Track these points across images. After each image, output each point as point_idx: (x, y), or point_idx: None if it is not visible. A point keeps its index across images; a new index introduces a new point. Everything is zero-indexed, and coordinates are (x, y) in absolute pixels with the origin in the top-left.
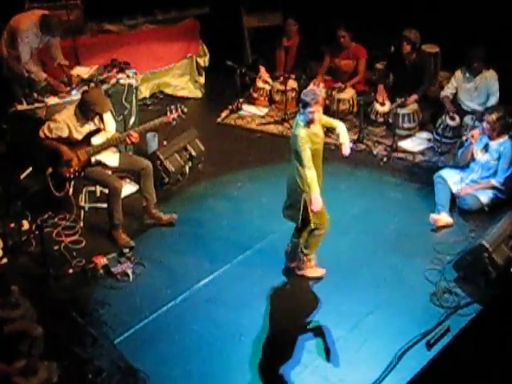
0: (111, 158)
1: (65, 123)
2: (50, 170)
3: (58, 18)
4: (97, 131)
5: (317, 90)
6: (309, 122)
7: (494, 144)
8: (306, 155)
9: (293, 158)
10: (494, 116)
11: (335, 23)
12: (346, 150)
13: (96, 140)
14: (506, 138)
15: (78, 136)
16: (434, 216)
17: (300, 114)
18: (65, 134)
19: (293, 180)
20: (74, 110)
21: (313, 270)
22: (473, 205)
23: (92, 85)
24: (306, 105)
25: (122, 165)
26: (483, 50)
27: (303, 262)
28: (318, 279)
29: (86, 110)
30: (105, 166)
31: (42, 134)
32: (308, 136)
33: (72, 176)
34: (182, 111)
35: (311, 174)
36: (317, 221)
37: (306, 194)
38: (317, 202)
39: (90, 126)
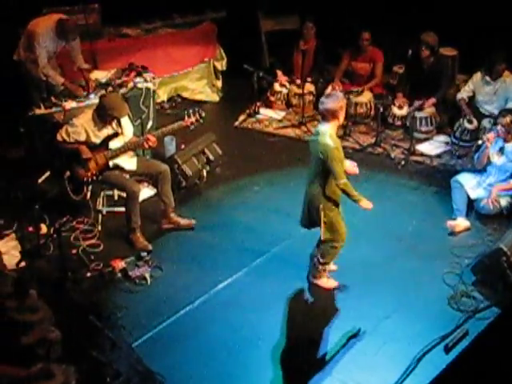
0: (129, 162)
1: (82, 127)
2: (67, 173)
3: (74, 22)
4: (115, 135)
5: (336, 92)
6: (336, 129)
7: (509, 146)
8: (340, 167)
9: (316, 166)
10: (508, 118)
11: (355, 26)
12: None
13: (114, 144)
14: None
15: (96, 140)
16: (451, 222)
17: (323, 124)
18: (82, 138)
19: (313, 188)
20: (92, 114)
21: (325, 281)
22: (492, 209)
23: (110, 89)
24: (336, 111)
25: (140, 169)
26: (505, 53)
27: (318, 271)
28: (329, 290)
29: (103, 115)
30: (122, 169)
31: (59, 138)
32: (337, 145)
33: (90, 180)
34: (200, 116)
35: (347, 183)
36: (329, 236)
37: (323, 205)
38: (366, 205)
39: (107, 130)
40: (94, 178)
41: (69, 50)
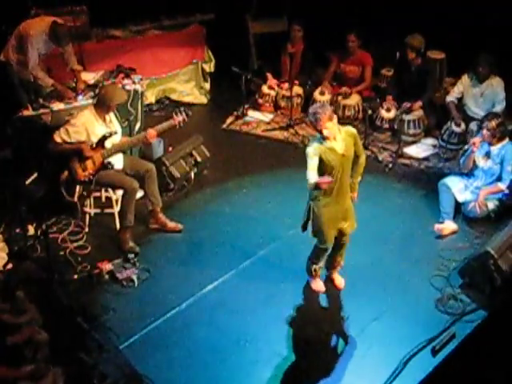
0: (116, 161)
1: (83, 126)
2: (65, 173)
3: (67, 27)
4: (110, 135)
5: (318, 107)
6: (324, 138)
7: (495, 149)
8: (310, 163)
9: None
10: (493, 123)
11: (343, 29)
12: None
13: (108, 144)
14: (505, 141)
15: (94, 139)
16: (438, 226)
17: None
18: (83, 137)
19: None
20: (91, 112)
21: (314, 282)
22: (479, 213)
23: (98, 91)
24: (313, 125)
25: (127, 167)
26: (491, 56)
27: (309, 269)
28: (316, 293)
29: (106, 106)
30: (112, 168)
31: (58, 139)
32: (319, 150)
33: (87, 180)
34: (187, 114)
35: (311, 185)
36: (316, 234)
37: (312, 203)
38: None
39: (103, 129)
40: (91, 177)
41: (61, 51)
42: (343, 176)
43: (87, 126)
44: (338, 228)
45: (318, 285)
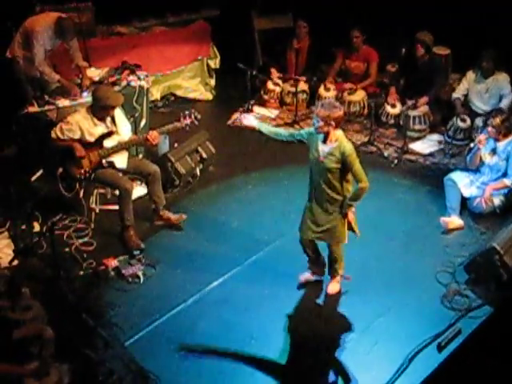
0: (119, 160)
1: (77, 125)
2: (60, 170)
3: (72, 22)
4: (109, 134)
5: (329, 103)
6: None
7: (501, 145)
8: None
9: None
10: (498, 119)
11: (348, 25)
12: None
13: (108, 143)
14: (511, 137)
15: (90, 138)
16: (444, 219)
17: None
18: (76, 136)
19: None
20: (87, 111)
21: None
22: (485, 208)
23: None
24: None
25: (130, 168)
26: (495, 51)
27: None
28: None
29: (99, 108)
30: (113, 167)
31: (53, 135)
32: (308, 134)
33: (82, 177)
34: (196, 118)
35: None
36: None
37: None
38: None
39: (102, 128)
40: (87, 175)
41: (66, 48)
42: (322, 183)
43: (81, 124)
44: (313, 230)
45: (303, 275)
